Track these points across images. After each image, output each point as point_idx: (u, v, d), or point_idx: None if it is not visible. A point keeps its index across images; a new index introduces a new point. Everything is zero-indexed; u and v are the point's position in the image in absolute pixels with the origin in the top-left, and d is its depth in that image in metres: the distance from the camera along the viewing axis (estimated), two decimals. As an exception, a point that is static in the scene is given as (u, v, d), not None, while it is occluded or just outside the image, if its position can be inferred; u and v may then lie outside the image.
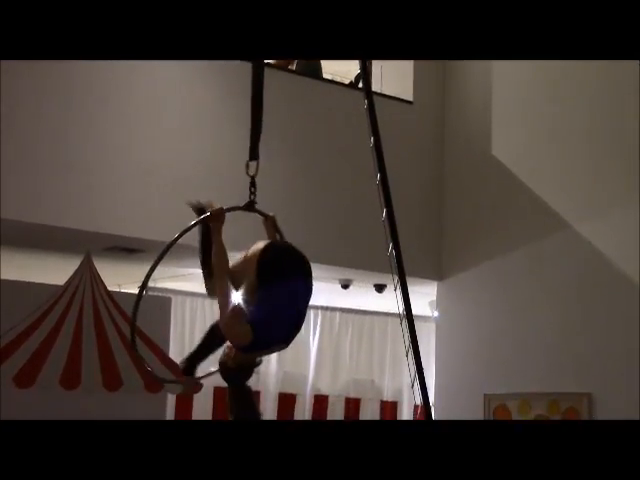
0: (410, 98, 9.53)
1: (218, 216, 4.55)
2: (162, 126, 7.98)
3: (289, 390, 9.91)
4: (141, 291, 4.67)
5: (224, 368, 4.57)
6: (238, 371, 4.54)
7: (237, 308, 4.41)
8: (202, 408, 9.30)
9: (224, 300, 4.42)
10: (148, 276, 4.68)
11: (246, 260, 4.56)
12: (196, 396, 8.98)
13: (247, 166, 4.76)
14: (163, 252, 4.64)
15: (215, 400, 9.41)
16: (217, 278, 4.48)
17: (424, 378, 8.08)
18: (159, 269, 9.15)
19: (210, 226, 4.57)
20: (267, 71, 4.93)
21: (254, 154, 4.80)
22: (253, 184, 4.72)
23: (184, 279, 9.34)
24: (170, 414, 8.86)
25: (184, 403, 9.09)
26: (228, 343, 4.54)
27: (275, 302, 4.48)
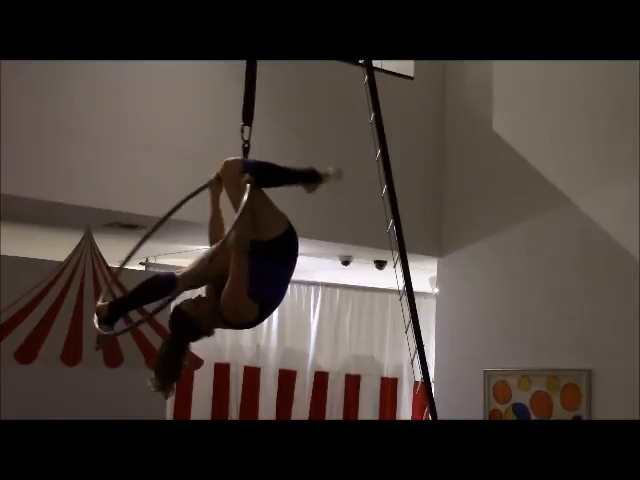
0: (411, 74, 9.50)
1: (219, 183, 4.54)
2: (163, 102, 7.98)
3: (289, 367, 9.93)
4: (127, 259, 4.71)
5: (185, 317, 4.37)
6: (200, 331, 4.42)
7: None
8: (203, 385, 9.33)
9: (240, 278, 4.30)
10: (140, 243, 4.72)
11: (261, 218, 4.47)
12: (197, 372, 9.01)
13: (242, 130, 4.82)
14: (165, 217, 4.67)
15: (216, 376, 9.45)
16: (237, 254, 4.32)
17: (424, 354, 8.12)
18: (159, 246, 9.20)
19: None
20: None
21: (248, 119, 4.87)
22: (246, 151, 4.79)
23: (184, 256, 9.37)
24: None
25: (185, 380, 9.12)
26: (202, 295, 4.43)
27: (279, 279, 4.48)
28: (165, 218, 4.81)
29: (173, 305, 4.51)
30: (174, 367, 4.39)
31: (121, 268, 4.93)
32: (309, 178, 4.68)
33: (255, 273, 4.38)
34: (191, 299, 4.46)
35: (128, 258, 4.80)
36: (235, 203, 4.44)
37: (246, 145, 4.81)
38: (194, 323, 4.38)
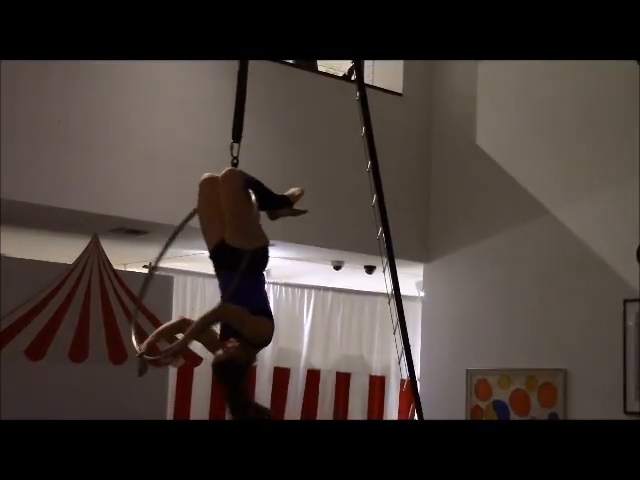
0: (400, 90, 9.52)
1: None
2: (165, 111, 7.96)
3: (283, 365, 9.92)
4: (151, 270, 4.76)
5: (227, 369, 4.35)
6: (243, 369, 4.41)
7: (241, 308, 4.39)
8: (202, 382, 9.31)
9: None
10: (161, 255, 4.76)
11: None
12: (196, 370, 9.00)
13: (232, 147, 4.78)
14: (176, 231, 4.72)
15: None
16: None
17: (410, 354, 8.11)
18: (160, 250, 9.16)
19: None
20: (265, 64, 4.91)
21: (237, 136, 4.83)
22: (235, 166, 4.73)
23: (186, 260, 9.36)
24: (172, 386, 8.89)
25: (185, 377, 9.12)
26: (229, 344, 4.37)
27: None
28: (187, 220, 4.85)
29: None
30: (252, 410, 4.38)
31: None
32: (284, 204, 4.75)
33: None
34: (220, 350, 4.43)
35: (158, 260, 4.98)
36: (229, 209, 4.48)
37: (235, 161, 4.74)
38: (230, 366, 4.36)
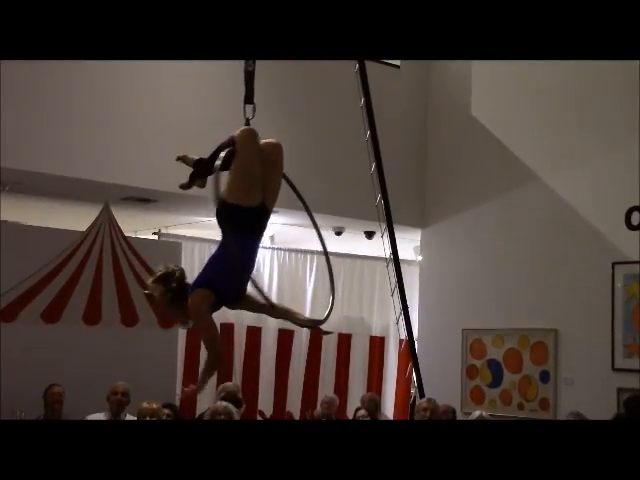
0: (397, 63, 9.52)
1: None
2: (174, 88, 7.97)
3: (288, 326, 9.98)
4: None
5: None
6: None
7: None
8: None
9: None
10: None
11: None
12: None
13: (245, 109, 4.62)
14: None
15: (222, 335, 9.48)
16: None
17: (409, 316, 8.20)
18: (170, 217, 9.15)
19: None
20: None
21: (249, 98, 4.68)
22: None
23: (193, 226, 9.40)
24: (181, 347, 8.96)
25: (194, 337, 9.19)
26: None
27: None
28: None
29: None
30: None
31: None
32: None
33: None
34: None
35: None
36: (278, 177, 4.43)
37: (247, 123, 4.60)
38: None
